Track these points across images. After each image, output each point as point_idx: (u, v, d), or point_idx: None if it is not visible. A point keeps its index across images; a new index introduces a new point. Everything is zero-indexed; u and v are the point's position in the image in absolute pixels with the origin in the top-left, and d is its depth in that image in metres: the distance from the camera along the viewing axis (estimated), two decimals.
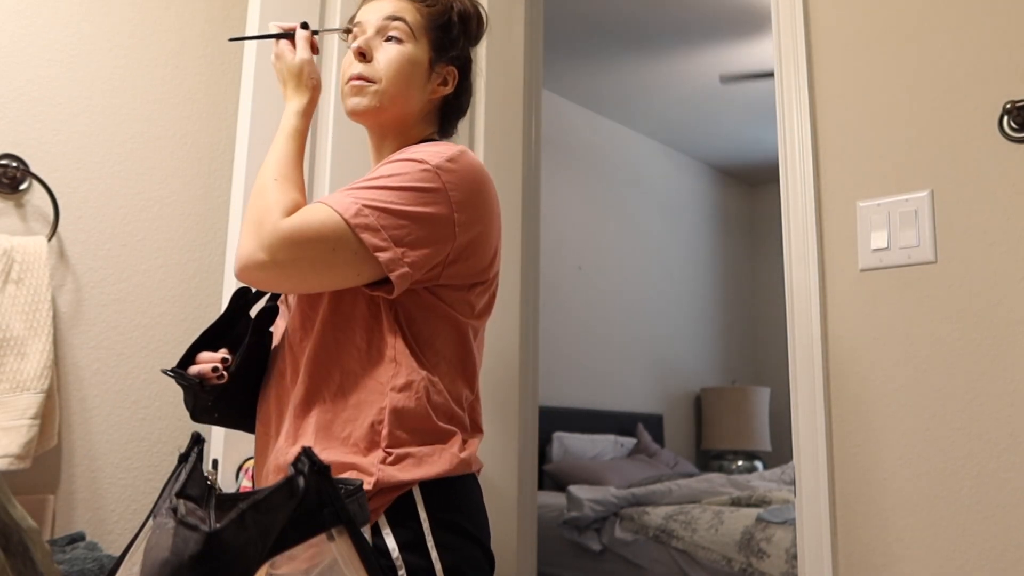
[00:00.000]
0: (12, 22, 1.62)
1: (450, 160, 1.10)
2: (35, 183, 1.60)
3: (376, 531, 1.02)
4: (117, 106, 1.73)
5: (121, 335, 1.69)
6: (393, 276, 1.04)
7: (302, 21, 1.25)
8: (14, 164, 1.58)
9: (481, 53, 2.00)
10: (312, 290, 1.10)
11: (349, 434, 1.06)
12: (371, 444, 1.05)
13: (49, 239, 1.59)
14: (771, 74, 4.04)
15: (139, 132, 1.76)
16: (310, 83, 1.20)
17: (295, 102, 1.19)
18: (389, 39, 1.19)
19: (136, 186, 1.74)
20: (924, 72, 1.43)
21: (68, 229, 1.64)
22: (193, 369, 1.14)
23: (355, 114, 1.21)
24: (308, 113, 1.19)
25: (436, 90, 1.24)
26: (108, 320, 1.67)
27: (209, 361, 1.13)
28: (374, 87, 1.18)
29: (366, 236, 1.03)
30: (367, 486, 1.02)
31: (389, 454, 1.04)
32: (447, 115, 1.28)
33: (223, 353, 1.14)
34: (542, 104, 2.26)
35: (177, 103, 1.82)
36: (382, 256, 1.03)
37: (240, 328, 1.20)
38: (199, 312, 1.79)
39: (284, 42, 1.23)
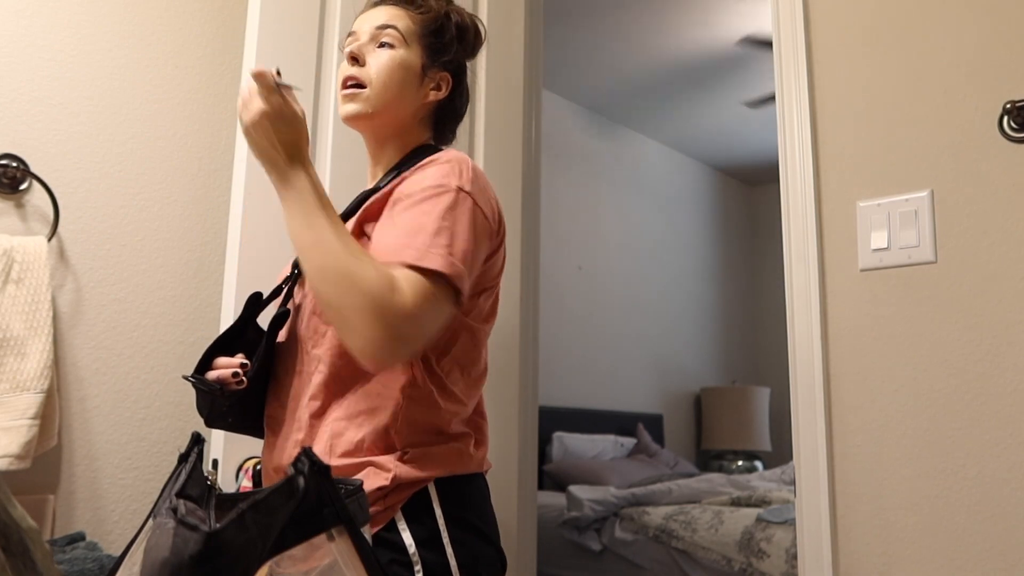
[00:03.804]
0: (12, 22, 1.62)
1: (472, 181, 1.11)
2: (35, 183, 1.60)
3: (392, 527, 1.03)
4: (117, 106, 1.73)
5: (121, 335, 1.69)
6: (464, 300, 1.06)
7: (276, 68, 1.08)
8: (14, 164, 1.58)
9: (481, 53, 1.99)
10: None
11: (363, 438, 1.07)
12: (387, 447, 1.07)
13: (49, 239, 1.59)
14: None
15: (139, 132, 1.76)
16: (304, 132, 1.07)
17: (308, 168, 1.05)
18: (382, 45, 1.21)
19: (136, 186, 1.74)
20: (924, 72, 1.43)
21: (68, 229, 1.64)
22: (212, 374, 1.14)
23: (349, 119, 1.22)
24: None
25: (429, 95, 1.25)
26: (108, 320, 1.67)
27: (228, 366, 1.13)
28: (366, 92, 1.19)
29: (462, 286, 1.04)
30: (384, 482, 1.04)
31: (405, 452, 1.07)
32: (442, 119, 1.29)
33: (240, 358, 1.15)
34: (542, 104, 2.26)
35: (177, 103, 1.82)
36: (465, 288, 1.05)
37: (251, 333, 1.20)
38: (199, 312, 1.79)
39: (285, 93, 1.05)
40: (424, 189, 1.08)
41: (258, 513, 0.77)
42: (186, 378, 1.14)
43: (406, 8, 1.24)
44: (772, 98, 4.44)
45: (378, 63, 1.20)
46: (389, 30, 1.21)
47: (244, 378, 1.12)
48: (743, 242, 6.42)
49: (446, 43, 1.25)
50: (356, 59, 1.20)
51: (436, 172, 1.11)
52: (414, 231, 1.04)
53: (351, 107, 1.20)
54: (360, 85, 1.20)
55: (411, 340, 1.01)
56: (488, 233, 1.11)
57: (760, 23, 4.13)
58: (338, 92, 1.22)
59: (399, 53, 1.21)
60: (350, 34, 1.25)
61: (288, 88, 1.04)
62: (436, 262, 1.01)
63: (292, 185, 1.04)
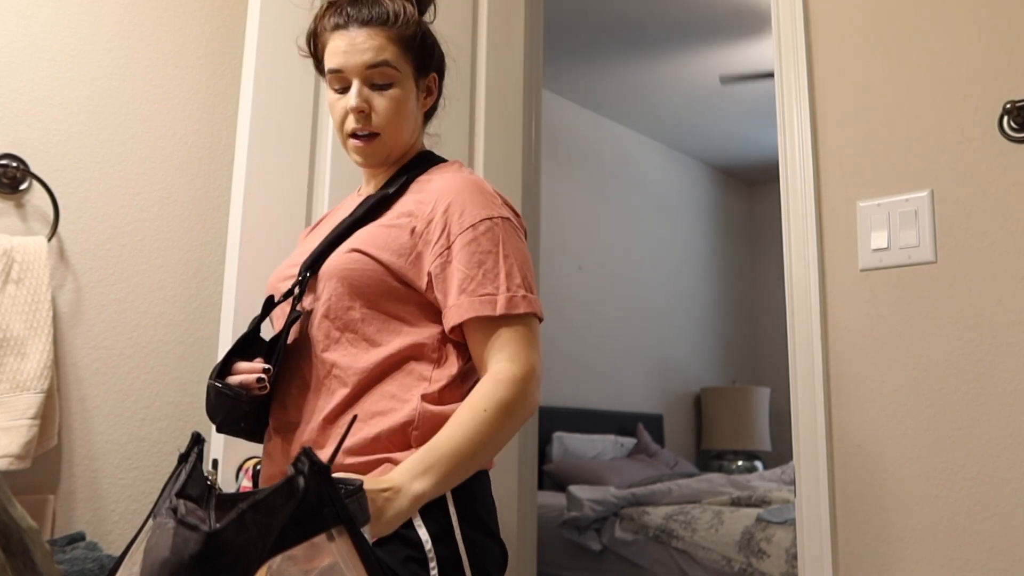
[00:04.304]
0: (12, 22, 1.62)
1: (503, 204, 1.18)
2: (35, 183, 1.60)
3: (408, 523, 1.03)
4: (117, 106, 1.73)
5: (121, 335, 1.68)
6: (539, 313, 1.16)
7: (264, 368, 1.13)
8: (14, 164, 1.58)
9: (481, 53, 1.99)
10: None
11: (378, 435, 1.08)
12: (402, 445, 1.08)
13: (49, 239, 1.59)
14: (771, 74, 4.02)
15: (139, 132, 1.76)
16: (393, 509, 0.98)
17: (401, 493, 0.98)
18: (378, 86, 1.19)
19: (136, 186, 1.74)
20: (924, 72, 1.43)
21: (68, 229, 1.64)
22: (234, 379, 1.13)
23: (366, 166, 1.25)
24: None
25: (425, 104, 1.28)
26: (108, 320, 1.67)
27: (250, 371, 1.13)
28: (378, 140, 1.20)
29: (542, 312, 1.15)
30: None
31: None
32: (430, 114, 1.32)
33: (261, 363, 1.15)
34: (542, 104, 2.26)
35: (177, 103, 1.82)
36: (542, 315, 1.16)
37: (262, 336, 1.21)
38: (199, 312, 1.79)
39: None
40: (474, 226, 1.13)
41: (258, 513, 0.77)
42: (212, 384, 1.13)
43: (383, 28, 1.19)
44: (752, 76, 4.40)
45: (384, 109, 1.19)
46: (382, 68, 1.18)
47: (268, 383, 1.12)
48: (743, 242, 6.42)
49: (428, 47, 1.25)
50: (363, 111, 1.19)
51: (472, 202, 1.15)
52: (488, 276, 1.11)
53: (366, 159, 1.22)
54: (373, 134, 1.20)
55: (541, 374, 1.12)
56: (525, 243, 1.19)
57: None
58: (341, 137, 1.23)
59: (398, 91, 1.20)
60: (334, 71, 1.19)
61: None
62: (522, 306, 1.11)
63: (424, 496, 0.99)
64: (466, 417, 1.04)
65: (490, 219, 1.13)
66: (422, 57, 1.23)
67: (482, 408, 1.04)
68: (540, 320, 1.14)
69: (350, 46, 1.18)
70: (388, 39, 1.19)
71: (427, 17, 1.28)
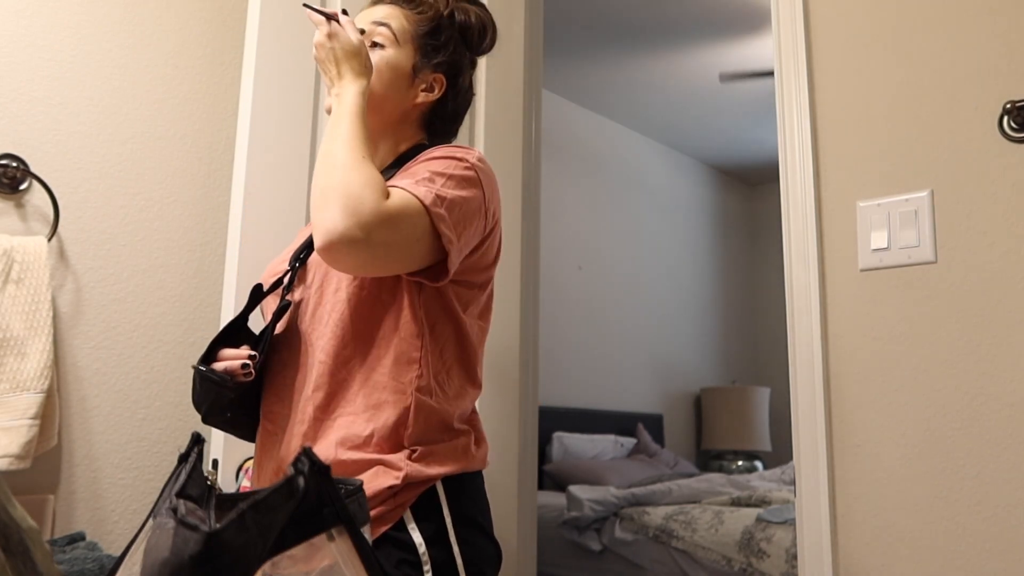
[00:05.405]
0: (12, 22, 1.62)
1: (479, 160, 1.16)
2: (35, 183, 1.60)
3: (401, 526, 1.04)
4: (117, 106, 1.73)
5: (121, 335, 1.68)
6: (451, 263, 1.08)
7: (343, 8, 1.25)
8: (14, 164, 1.58)
9: None
10: (381, 274, 1.10)
11: (372, 433, 1.07)
12: (395, 445, 1.07)
13: (49, 239, 1.59)
14: (770, 73, 4.02)
15: (139, 132, 1.76)
16: (369, 63, 1.18)
17: (359, 83, 1.15)
18: (374, 45, 1.23)
19: (136, 186, 1.74)
20: (924, 72, 1.43)
21: (68, 229, 1.64)
22: (219, 366, 1.13)
23: None
24: (367, 95, 1.18)
25: (419, 96, 1.25)
26: (108, 320, 1.67)
27: (235, 357, 1.13)
28: None
29: (442, 228, 1.06)
30: (395, 480, 1.04)
31: (414, 451, 1.07)
32: (434, 121, 1.28)
33: (247, 350, 1.14)
34: (542, 104, 2.26)
35: (177, 103, 1.82)
36: (450, 247, 1.07)
37: (246, 327, 1.20)
38: (199, 312, 1.79)
39: (344, 21, 1.18)
40: (437, 152, 1.15)
41: (258, 513, 0.76)
42: (196, 368, 1.13)
43: (403, 7, 1.25)
44: (751, 75, 4.40)
45: None
46: (382, 28, 1.23)
47: (253, 370, 1.12)
48: (743, 242, 6.42)
49: (441, 44, 1.25)
50: None
51: (451, 147, 1.16)
52: (415, 174, 1.10)
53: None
54: None
55: (376, 244, 1.02)
56: (479, 208, 1.13)
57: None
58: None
59: (388, 53, 1.22)
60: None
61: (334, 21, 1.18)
62: (420, 191, 1.05)
63: (340, 95, 1.14)
64: (363, 146, 1.08)
65: (452, 158, 1.13)
66: (429, 47, 1.24)
67: (361, 155, 1.06)
68: (437, 234, 1.06)
69: (368, 13, 1.27)
70: (402, 13, 1.25)
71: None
